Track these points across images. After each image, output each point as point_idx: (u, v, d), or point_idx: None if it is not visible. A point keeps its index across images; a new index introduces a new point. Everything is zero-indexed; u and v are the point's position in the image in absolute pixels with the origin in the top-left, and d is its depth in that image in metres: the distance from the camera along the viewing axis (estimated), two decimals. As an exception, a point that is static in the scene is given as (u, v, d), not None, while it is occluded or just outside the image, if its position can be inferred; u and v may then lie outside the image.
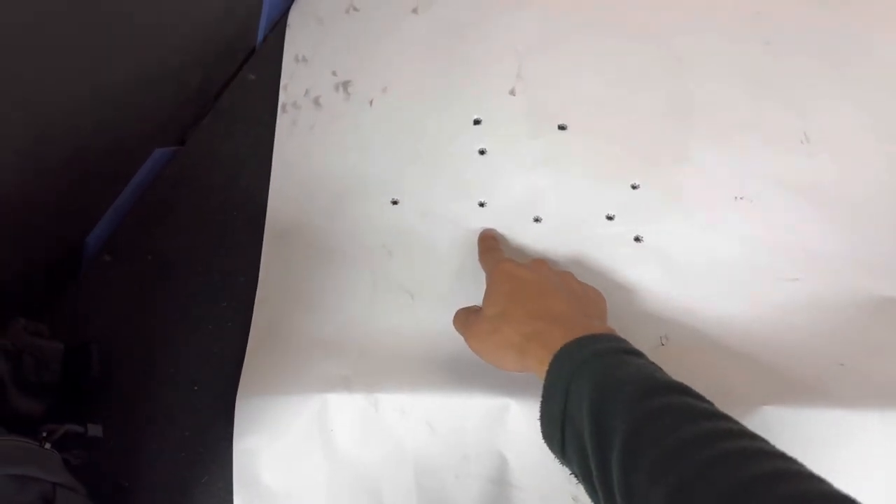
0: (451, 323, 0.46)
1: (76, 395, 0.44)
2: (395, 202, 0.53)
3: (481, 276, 0.49)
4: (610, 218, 0.51)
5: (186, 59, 0.54)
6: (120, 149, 0.53)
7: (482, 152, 0.54)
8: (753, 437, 0.32)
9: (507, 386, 0.43)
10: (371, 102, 0.57)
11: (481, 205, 0.52)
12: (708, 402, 0.34)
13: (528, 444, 0.43)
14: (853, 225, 0.51)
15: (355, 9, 0.62)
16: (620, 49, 0.58)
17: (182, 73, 0.54)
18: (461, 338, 0.46)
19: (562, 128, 0.55)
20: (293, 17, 0.62)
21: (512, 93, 0.56)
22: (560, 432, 0.36)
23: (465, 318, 0.45)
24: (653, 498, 0.30)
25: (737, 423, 0.33)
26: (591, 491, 0.34)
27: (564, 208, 0.51)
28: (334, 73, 0.59)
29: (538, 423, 0.39)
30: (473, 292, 0.49)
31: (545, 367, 0.38)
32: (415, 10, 0.61)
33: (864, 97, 0.56)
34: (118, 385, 0.48)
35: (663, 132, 0.54)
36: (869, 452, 0.42)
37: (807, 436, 0.42)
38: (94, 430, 0.40)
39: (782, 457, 0.31)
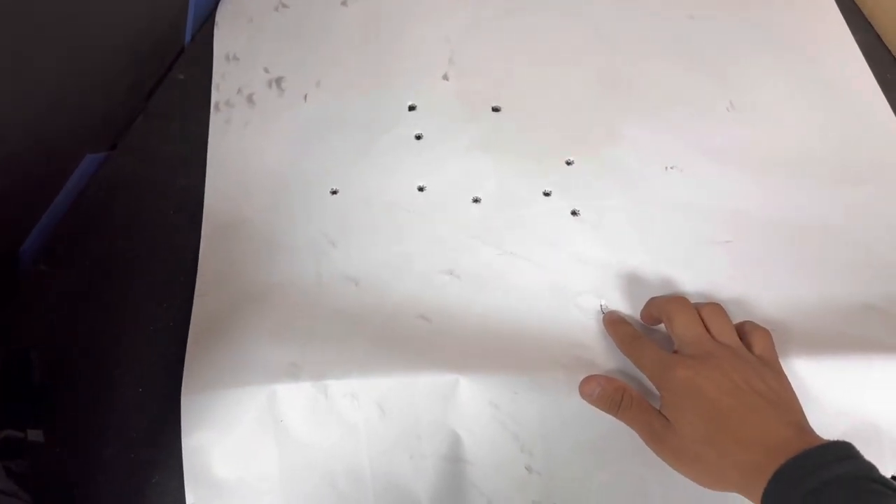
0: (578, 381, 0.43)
1: (16, 402, 0.43)
2: (334, 192, 0.53)
3: (425, 259, 0.50)
4: (547, 194, 0.52)
5: (114, 61, 0.53)
6: (49, 155, 0.52)
7: (418, 137, 0.54)
8: None
9: (454, 362, 0.44)
10: (305, 97, 0.57)
11: (420, 189, 0.52)
12: None
13: (479, 419, 0.44)
14: (779, 186, 0.53)
15: (284, 5, 0.62)
16: (550, 30, 0.60)
17: (109, 75, 0.54)
18: (407, 320, 0.47)
19: (496, 110, 0.56)
20: (221, 16, 0.62)
21: (445, 77, 0.57)
22: None
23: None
24: None
25: None
26: None
27: (502, 188, 0.52)
28: (266, 70, 0.59)
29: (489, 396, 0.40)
30: (418, 274, 0.49)
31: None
32: (344, 3, 0.61)
33: (785, 64, 0.59)
34: (63, 391, 0.47)
35: (594, 109, 0.56)
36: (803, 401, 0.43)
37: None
38: (35, 435, 0.39)
39: None
